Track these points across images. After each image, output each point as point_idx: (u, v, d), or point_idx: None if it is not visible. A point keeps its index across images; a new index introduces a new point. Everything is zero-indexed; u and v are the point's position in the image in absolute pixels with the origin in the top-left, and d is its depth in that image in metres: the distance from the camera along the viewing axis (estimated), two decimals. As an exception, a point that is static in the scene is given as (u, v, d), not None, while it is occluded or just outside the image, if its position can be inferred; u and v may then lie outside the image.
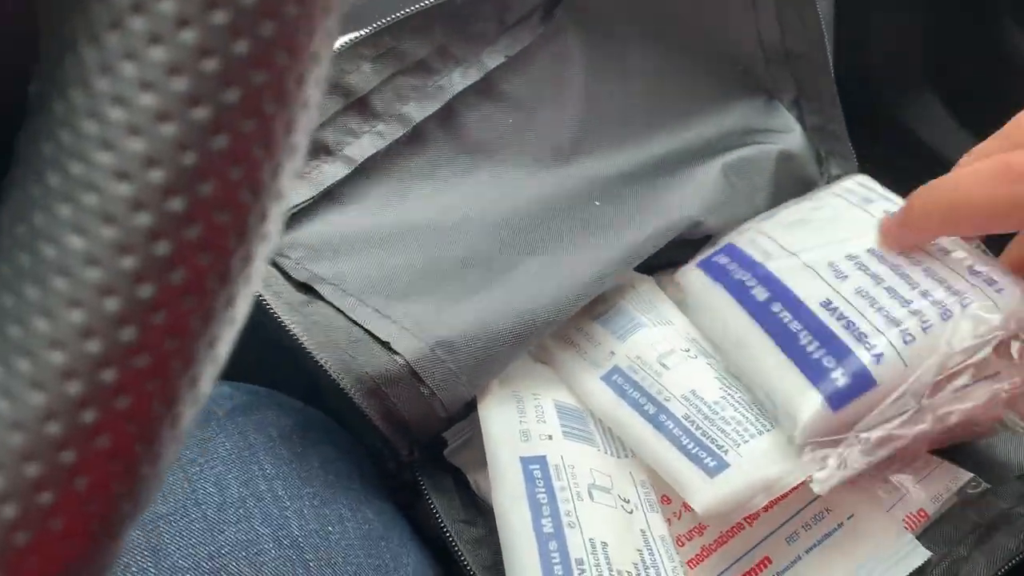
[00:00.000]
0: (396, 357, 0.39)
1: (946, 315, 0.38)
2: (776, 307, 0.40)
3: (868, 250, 0.41)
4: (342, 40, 0.42)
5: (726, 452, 0.38)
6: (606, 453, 0.41)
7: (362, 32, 0.42)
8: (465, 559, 0.40)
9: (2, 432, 0.16)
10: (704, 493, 0.37)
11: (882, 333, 0.38)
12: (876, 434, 0.36)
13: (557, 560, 0.36)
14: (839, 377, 0.37)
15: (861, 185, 0.47)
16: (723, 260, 0.44)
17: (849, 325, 0.38)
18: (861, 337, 0.38)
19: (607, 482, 0.39)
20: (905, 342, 0.37)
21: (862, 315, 0.38)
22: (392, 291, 0.42)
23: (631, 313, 0.45)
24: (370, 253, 0.43)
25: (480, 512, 0.43)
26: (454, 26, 0.44)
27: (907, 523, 0.42)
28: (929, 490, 0.43)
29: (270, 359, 0.40)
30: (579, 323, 0.45)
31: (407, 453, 0.42)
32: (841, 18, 0.65)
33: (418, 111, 0.44)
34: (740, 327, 0.41)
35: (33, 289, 0.16)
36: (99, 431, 0.16)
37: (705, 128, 0.51)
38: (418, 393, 0.40)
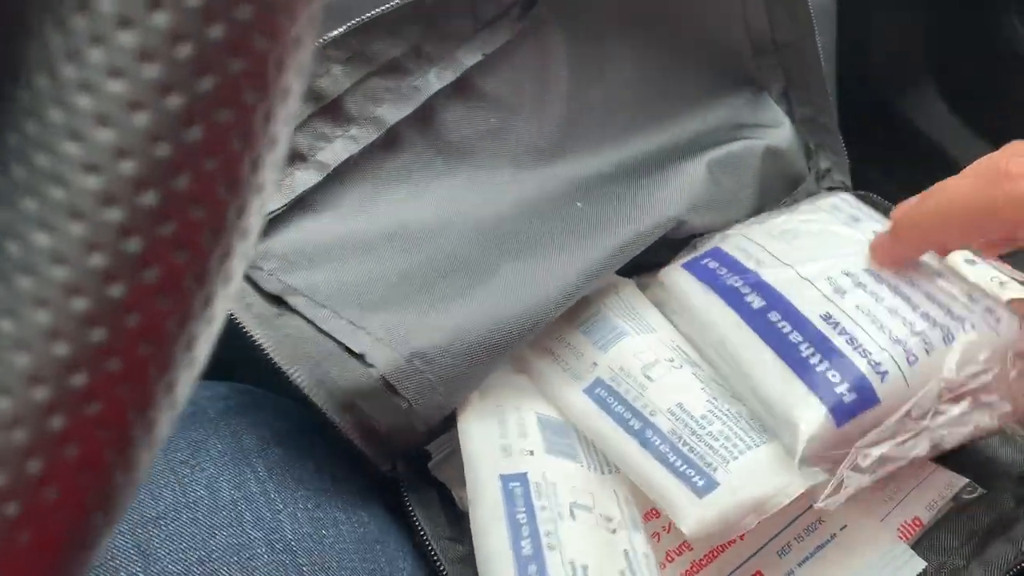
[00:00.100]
0: (370, 370, 0.38)
1: (948, 339, 0.38)
2: (774, 316, 0.39)
3: (865, 269, 0.40)
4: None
5: (715, 470, 0.37)
6: (589, 469, 0.40)
7: (331, 34, 0.40)
8: None
9: None
10: (693, 515, 0.36)
11: (885, 350, 0.37)
12: (877, 452, 0.35)
13: None
14: (845, 392, 0.36)
15: (845, 202, 0.46)
16: (712, 264, 0.43)
17: (852, 340, 0.38)
18: (865, 353, 0.37)
19: (589, 500, 0.38)
20: (909, 362, 0.37)
21: (864, 331, 0.38)
22: (367, 300, 0.40)
23: (613, 321, 0.43)
24: (345, 262, 0.41)
25: (465, 529, 0.42)
26: (428, 25, 0.42)
27: (902, 532, 0.41)
28: (924, 497, 0.41)
29: (264, 358, 0.39)
30: (560, 332, 0.44)
31: (388, 468, 0.41)
32: (843, 14, 0.64)
33: (393, 113, 0.43)
34: (734, 334, 0.40)
35: None
36: (68, 439, 0.15)
37: (691, 124, 0.50)
38: (394, 406, 0.38)
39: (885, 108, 0.72)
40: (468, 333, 0.40)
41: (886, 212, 0.50)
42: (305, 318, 0.39)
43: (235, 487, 0.38)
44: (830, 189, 0.52)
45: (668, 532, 0.40)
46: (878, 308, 0.39)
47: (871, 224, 0.43)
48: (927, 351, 0.37)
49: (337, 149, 0.42)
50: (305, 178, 0.41)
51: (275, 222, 0.41)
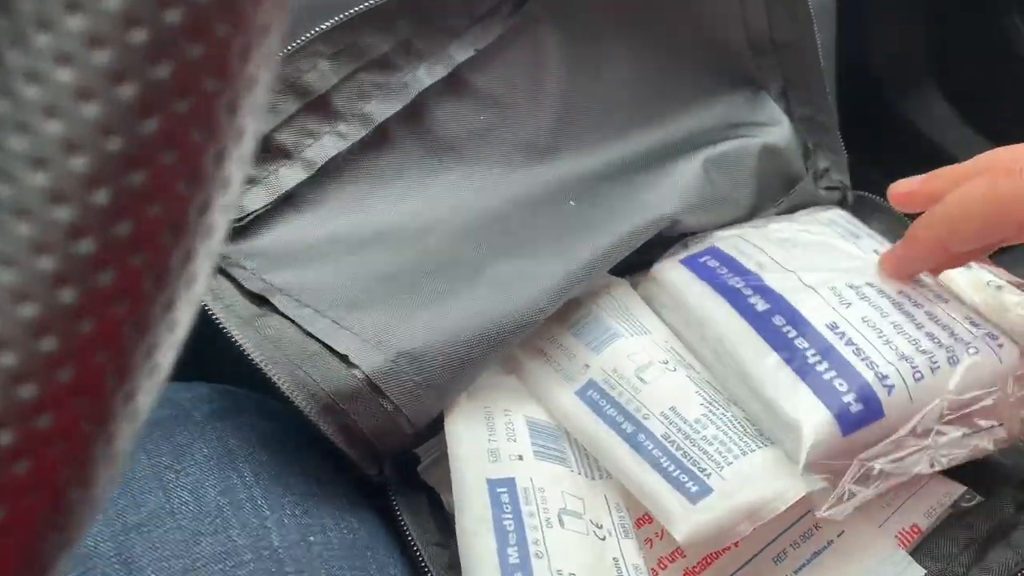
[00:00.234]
0: (354, 371, 0.37)
1: (953, 360, 0.38)
2: (779, 320, 0.39)
3: (868, 283, 0.40)
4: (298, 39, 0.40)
5: (708, 475, 0.36)
6: (579, 474, 0.39)
7: (318, 28, 0.40)
8: None
9: None
10: (686, 521, 0.35)
11: (892, 365, 0.37)
12: (879, 466, 0.35)
13: None
14: (852, 402, 0.36)
15: (843, 218, 0.46)
16: (711, 262, 0.42)
17: (859, 351, 0.37)
18: (872, 365, 0.37)
19: (579, 506, 0.37)
20: (915, 379, 0.37)
21: (871, 344, 0.37)
22: (353, 300, 0.40)
23: (606, 322, 0.42)
24: (330, 260, 0.41)
25: (455, 534, 0.41)
26: (419, 19, 0.42)
27: (900, 539, 0.40)
28: (922, 504, 0.41)
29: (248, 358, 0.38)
30: (551, 333, 0.43)
31: (375, 471, 0.40)
32: (844, 15, 0.64)
33: (382, 109, 0.42)
34: (736, 334, 0.39)
35: None
36: (18, 455, 0.14)
37: (687, 122, 0.49)
38: (380, 408, 0.37)
39: (887, 109, 0.72)
40: (456, 333, 0.39)
41: (885, 212, 0.50)
42: (287, 318, 0.38)
43: (221, 492, 0.37)
44: (828, 189, 0.52)
45: (661, 538, 0.39)
46: (883, 323, 0.38)
47: (871, 243, 0.43)
48: (932, 370, 0.37)
49: (324, 145, 0.41)
50: (291, 175, 0.41)
51: (260, 220, 0.40)
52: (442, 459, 0.41)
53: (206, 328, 0.38)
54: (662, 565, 0.39)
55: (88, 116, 0.14)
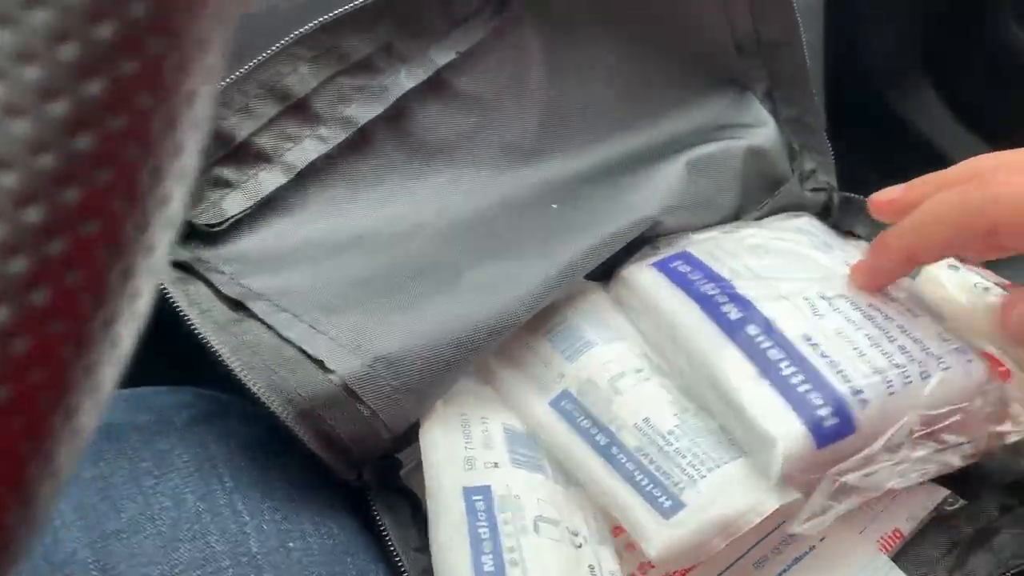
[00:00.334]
0: (330, 376, 0.37)
1: (925, 375, 0.37)
2: (752, 329, 0.38)
3: (841, 295, 0.39)
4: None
5: (682, 489, 0.36)
6: (556, 482, 0.39)
7: (298, 32, 0.39)
8: None
9: None
10: (659, 537, 0.35)
11: (866, 378, 0.36)
12: (851, 480, 0.35)
13: None
14: (826, 415, 0.35)
15: (813, 226, 0.46)
16: (683, 267, 0.42)
17: (833, 364, 0.36)
18: (846, 378, 0.36)
19: (555, 514, 0.37)
20: (888, 393, 0.36)
21: (845, 357, 0.37)
22: (332, 304, 0.39)
23: (581, 329, 0.42)
24: (310, 265, 0.40)
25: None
26: (399, 22, 0.42)
27: (882, 544, 0.40)
28: (904, 509, 0.40)
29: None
30: (526, 340, 0.42)
31: (354, 477, 0.40)
32: (839, 15, 0.64)
33: (363, 113, 0.42)
34: (710, 343, 0.38)
35: None
36: None
37: (672, 124, 0.49)
38: (357, 414, 0.37)
39: (882, 109, 0.72)
40: (435, 336, 0.38)
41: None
42: (264, 323, 0.38)
43: (200, 498, 0.37)
44: (814, 190, 0.51)
45: (638, 546, 0.39)
46: (857, 335, 0.38)
47: (842, 253, 0.43)
48: (905, 385, 0.36)
49: (305, 149, 0.41)
50: (270, 179, 0.40)
51: (239, 224, 0.40)
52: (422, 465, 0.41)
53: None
54: (642, 571, 0.38)
55: (17, 133, 0.13)
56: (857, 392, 0.36)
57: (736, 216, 0.48)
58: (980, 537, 0.40)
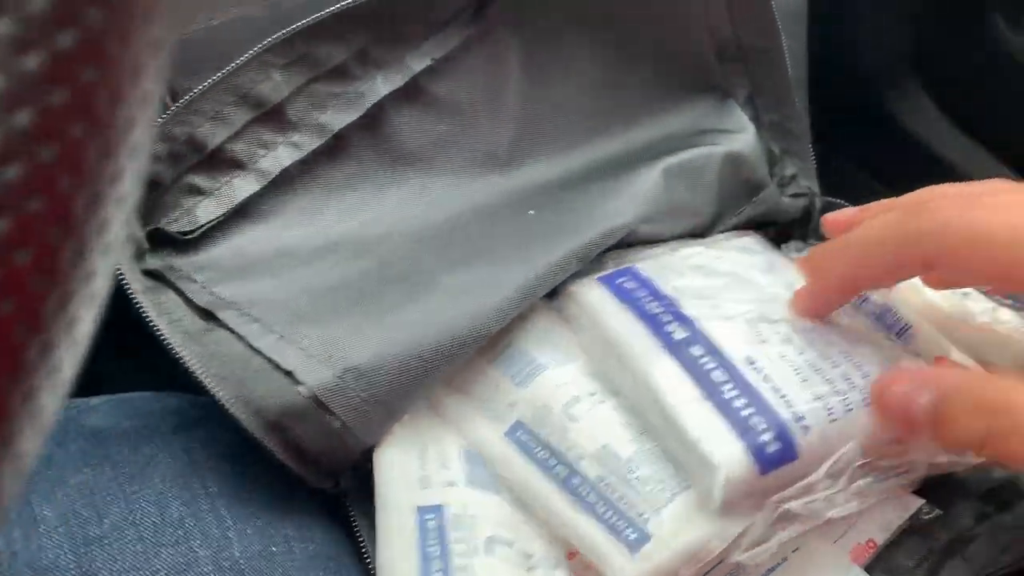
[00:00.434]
0: (299, 388, 0.37)
1: (867, 402, 0.36)
2: (697, 350, 0.37)
3: (783, 320, 0.39)
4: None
5: (647, 520, 0.35)
6: (513, 504, 0.38)
7: (270, 39, 0.39)
8: None
9: None
10: (627, 572, 0.34)
11: (808, 404, 0.35)
12: (794, 508, 0.34)
13: None
14: (769, 441, 0.34)
15: (758, 245, 0.45)
16: (629, 284, 0.40)
17: (776, 389, 0.36)
18: (789, 404, 0.35)
19: (509, 535, 0.36)
20: (830, 420, 0.35)
21: (788, 382, 0.36)
22: (303, 313, 0.39)
23: (529, 353, 0.41)
24: (283, 273, 0.40)
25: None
26: (374, 29, 0.41)
27: (855, 554, 0.40)
28: (879, 519, 0.40)
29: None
30: (475, 367, 0.41)
31: (331, 485, 0.40)
32: (829, 17, 0.63)
33: (338, 119, 0.42)
34: (654, 363, 0.37)
35: None
36: None
37: (650, 130, 0.49)
38: (326, 425, 0.37)
39: (875, 111, 0.71)
40: (407, 346, 0.38)
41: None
42: (235, 333, 0.38)
43: (184, 503, 0.37)
44: (795, 196, 0.51)
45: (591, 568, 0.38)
46: (799, 360, 0.37)
47: (785, 274, 0.42)
48: (846, 412, 0.36)
49: (279, 156, 0.41)
50: (244, 186, 0.40)
51: (212, 232, 0.40)
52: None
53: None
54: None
55: None
56: (799, 418, 0.35)
57: (714, 222, 0.48)
58: (954, 546, 0.40)
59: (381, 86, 0.42)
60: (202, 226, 0.40)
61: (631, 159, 0.48)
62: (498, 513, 0.37)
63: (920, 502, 0.41)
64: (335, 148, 0.42)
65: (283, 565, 0.37)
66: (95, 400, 0.42)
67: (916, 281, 0.46)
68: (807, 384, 0.36)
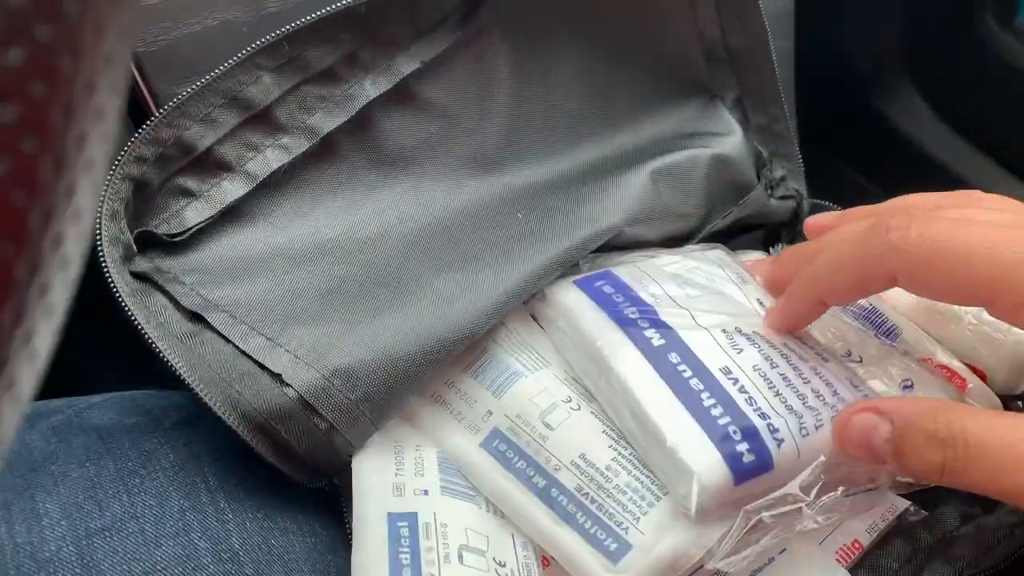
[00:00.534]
0: (287, 390, 0.37)
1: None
2: (674, 357, 0.37)
3: (756, 332, 0.39)
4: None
5: (626, 530, 0.35)
6: (488, 511, 0.38)
7: (259, 41, 0.39)
8: None
9: None
10: None
11: (782, 417, 0.35)
12: (767, 518, 0.34)
13: None
14: (745, 451, 0.34)
15: (729, 258, 0.45)
16: (606, 288, 0.40)
17: (751, 400, 0.36)
18: (764, 416, 0.35)
19: (482, 543, 0.36)
20: (802, 434, 0.35)
21: (762, 394, 0.36)
22: (291, 315, 0.39)
23: (504, 360, 0.40)
24: (271, 275, 0.40)
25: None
26: (363, 32, 0.41)
27: (841, 555, 0.40)
28: (865, 520, 0.40)
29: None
30: (447, 376, 0.41)
31: (323, 484, 0.40)
32: (818, 18, 0.64)
33: (326, 122, 0.42)
34: (632, 368, 0.37)
35: None
36: None
37: (638, 133, 0.49)
38: (313, 427, 0.37)
39: (867, 112, 0.72)
40: (392, 349, 0.38)
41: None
42: (222, 336, 0.38)
43: (184, 496, 0.38)
44: (783, 198, 0.52)
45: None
46: (773, 373, 0.37)
47: (754, 289, 0.42)
48: (817, 427, 0.36)
49: (267, 159, 0.41)
50: (232, 189, 0.40)
51: (201, 234, 0.40)
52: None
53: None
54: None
55: None
56: (774, 430, 0.35)
57: (702, 224, 0.48)
58: (939, 547, 0.40)
59: (370, 89, 0.42)
60: (190, 228, 0.40)
61: (619, 162, 0.48)
62: (472, 521, 0.37)
63: (906, 503, 0.41)
64: (324, 151, 0.42)
65: (282, 558, 0.37)
66: (97, 397, 0.42)
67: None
68: (780, 397, 0.36)
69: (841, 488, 0.35)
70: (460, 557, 0.35)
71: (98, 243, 0.37)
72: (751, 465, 0.34)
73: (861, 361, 0.43)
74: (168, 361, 0.36)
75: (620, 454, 0.37)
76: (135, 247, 0.38)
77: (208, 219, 0.40)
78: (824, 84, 0.67)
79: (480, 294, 0.41)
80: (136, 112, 0.42)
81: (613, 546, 0.35)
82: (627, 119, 0.49)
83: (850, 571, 0.39)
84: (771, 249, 0.52)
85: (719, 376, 0.36)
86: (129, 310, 0.36)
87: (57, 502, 0.36)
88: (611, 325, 0.38)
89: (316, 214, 0.42)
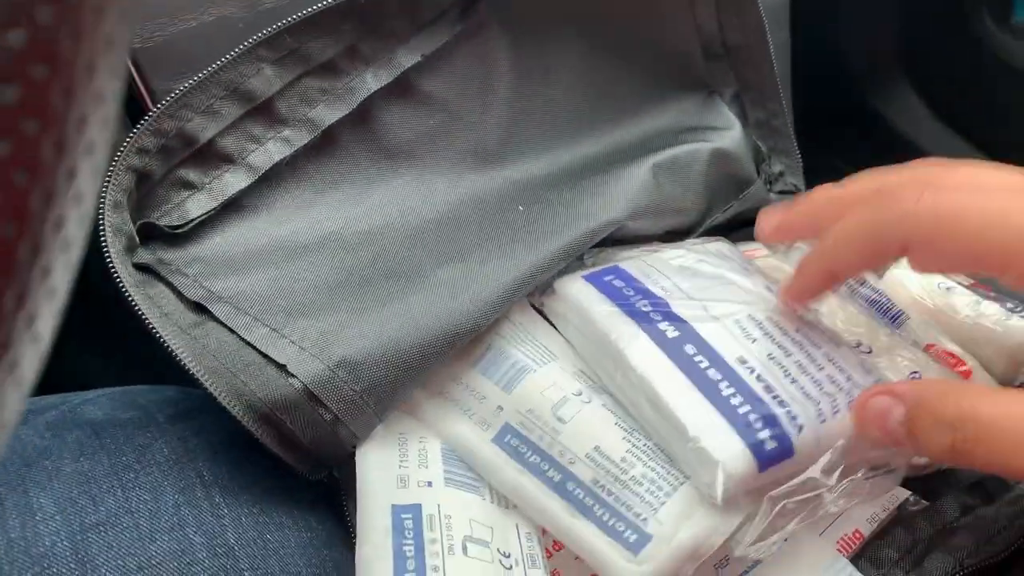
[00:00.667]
0: (292, 381, 0.37)
1: (851, 404, 0.36)
2: (690, 349, 0.37)
3: (769, 319, 0.39)
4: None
5: (645, 521, 0.35)
6: (492, 502, 0.38)
7: (261, 33, 0.39)
8: None
9: None
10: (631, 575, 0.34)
11: (799, 403, 0.36)
12: (789, 503, 0.34)
13: None
14: (766, 438, 0.34)
15: (731, 250, 0.45)
16: (616, 282, 0.40)
17: (769, 388, 0.36)
18: (782, 403, 0.36)
19: (487, 534, 0.36)
20: (820, 420, 0.36)
21: (778, 381, 0.36)
22: (295, 307, 0.39)
23: (511, 354, 0.40)
24: (273, 266, 0.40)
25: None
26: (364, 25, 0.42)
27: (841, 545, 0.40)
28: (866, 510, 0.41)
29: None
30: (454, 372, 0.40)
31: (323, 475, 0.40)
32: (817, 12, 0.64)
33: (328, 114, 0.42)
34: (649, 361, 0.37)
35: None
36: None
37: (638, 127, 0.49)
38: (318, 418, 0.37)
39: (863, 109, 0.72)
40: (396, 341, 0.38)
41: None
42: (226, 327, 0.38)
43: (179, 491, 0.37)
44: (782, 192, 0.52)
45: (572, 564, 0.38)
46: (788, 361, 0.37)
47: (760, 278, 0.42)
48: (834, 413, 0.36)
49: (269, 151, 0.41)
50: (234, 181, 0.40)
51: (203, 226, 0.40)
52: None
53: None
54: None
55: None
56: (792, 417, 0.35)
57: (702, 218, 0.48)
58: (939, 537, 0.41)
59: (371, 82, 0.42)
60: (193, 220, 0.40)
61: (620, 156, 0.48)
62: (475, 512, 0.37)
63: (907, 494, 0.41)
64: (325, 143, 0.42)
65: (277, 552, 0.37)
66: (91, 393, 0.42)
67: (902, 278, 0.47)
68: (796, 384, 0.36)
69: (861, 471, 0.36)
70: (464, 548, 0.35)
71: (101, 233, 0.36)
72: (774, 452, 0.34)
73: (871, 352, 0.43)
74: (173, 352, 0.36)
75: (634, 445, 0.37)
76: (137, 239, 0.38)
77: (210, 211, 0.40)
78: (820, 82, 0.67)
79: (484, 287, 0.41)
80: (133, 108, 0.42)
81: (633, 537, 0.35)
82: (627, 114, 0.49)
83: (851, 561, 0.39)
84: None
85: (736, 366, 0.36)
86: (133, 301, 0.36)
87: (51, 497, 0.36)
88: (624, 318, 0.38)
89: (318, 206, 0.42)
